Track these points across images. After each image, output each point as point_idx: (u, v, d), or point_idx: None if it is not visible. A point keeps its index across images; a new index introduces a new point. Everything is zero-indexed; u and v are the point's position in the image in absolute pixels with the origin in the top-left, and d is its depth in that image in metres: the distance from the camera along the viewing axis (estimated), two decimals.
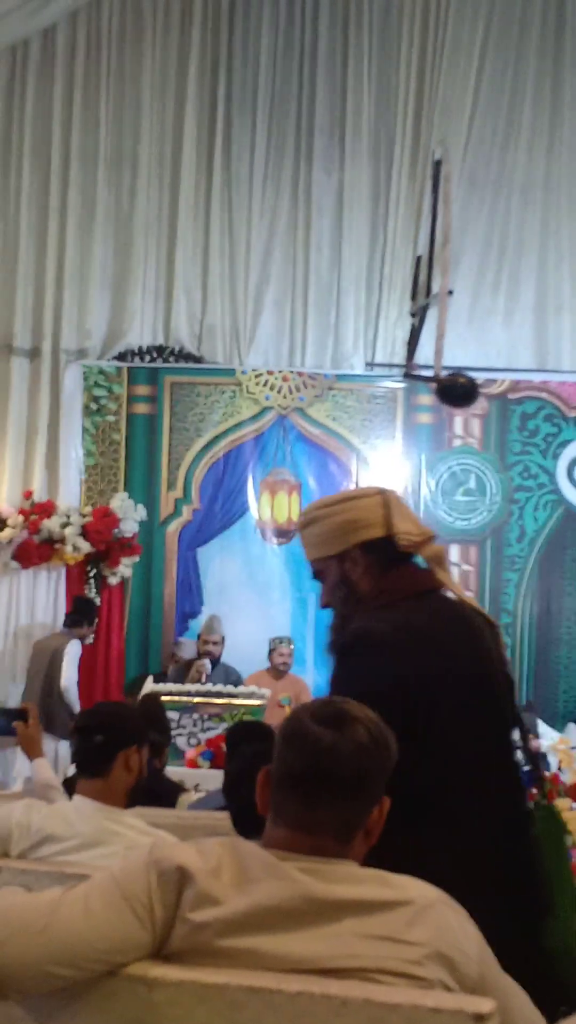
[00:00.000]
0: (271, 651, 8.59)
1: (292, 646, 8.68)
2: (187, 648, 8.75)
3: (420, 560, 2.39)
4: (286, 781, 1.71)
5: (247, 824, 4.27)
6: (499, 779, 2.22)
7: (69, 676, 8.16)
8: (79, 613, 8.58)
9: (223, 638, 8.59)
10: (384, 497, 2.39)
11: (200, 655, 8.48)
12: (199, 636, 8.75)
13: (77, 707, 7.96)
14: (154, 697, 6.72)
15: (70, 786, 3.37)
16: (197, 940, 1.61)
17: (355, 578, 2.35)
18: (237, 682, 8.12)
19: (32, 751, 3.79)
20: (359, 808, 1.70)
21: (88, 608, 8.71)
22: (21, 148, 9.41)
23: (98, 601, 9.03)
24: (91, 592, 9.05)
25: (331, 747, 1.68)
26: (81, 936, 1.59)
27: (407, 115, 9.42)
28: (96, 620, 8.77)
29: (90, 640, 8.71)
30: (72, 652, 8.26)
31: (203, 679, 8.09)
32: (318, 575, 2.45)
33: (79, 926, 1.60)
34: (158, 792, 3.23)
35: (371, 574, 2.34)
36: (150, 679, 8.06)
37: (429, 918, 1.63)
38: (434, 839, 2.06)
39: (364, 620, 2.27)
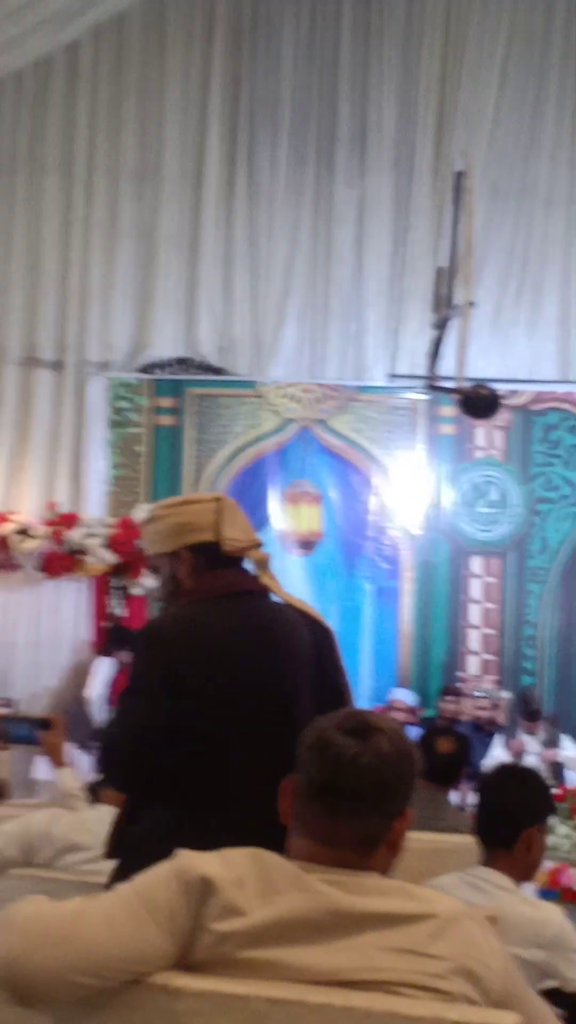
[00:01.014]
0: None
1: None
2: None
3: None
4: (308, 791, 1.71)
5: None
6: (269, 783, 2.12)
7: (94, 687, 8.24)
8: (112, 642, 8.66)
9: None
10: (219, 504, 2.63)
11: None
12: None
13: (97, 719, 7.99)
14: None
15: (94, 792, 3.37)
16: (220, 951, 1.61)
17: (181, 576, 2.57)
18: None
19: (56, 760, 3.80)
20: (381, 821, 1.70)
21: (119, 636, 8.68)
22: (46, 163, 9.47)
23: (122, 613, 9.06)
24: (115, 605, 9.08)
25: (353, 759, 1.67)
26: (104, 947, 1.59)
27: (428, 126, 9.42)
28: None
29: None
30: (101, 666, 8.36)
31: None
32: (153, 570, 2.69)
33: (102, 937, 1.60)
34: None
35: (195, 573, 2.56)
36: None
37: (453, 932, 1.63)
38: (197, 819, 2.28)
39: (159, 616, 2.58)
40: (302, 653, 2.57)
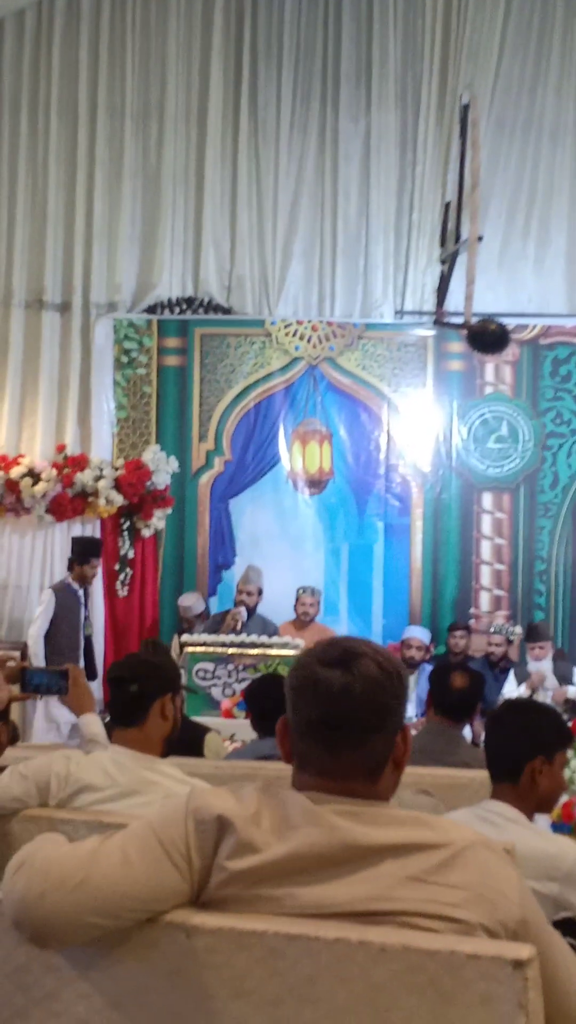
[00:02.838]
0: (296, 601, 8.63)
1: (316, 596, 8.68)
2: (189, 603, 8.74)
3: None
4: (305, 731, 1.69)
5: (264, 727, 4.37)
6: None
7: (33, 631, 8.01)
8: (72, 555, 8.36)
9: (260, 589, 8.60)
10: None
11: (236, 604, 8.51)
12: (236, 586, 8.77)
13: (37, 663, 7.54)
14: (156, 641, 6.72)
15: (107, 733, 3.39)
16: (235, 888, 1.62)
17: None
18: (273, 633, 8.15)
19: (79, 707, 3.78)
20: (383, 743, 1.69)
21: (77, 547, 8.40)
22: (48, 103, 9.36)
23: (132, 553, 9.08)
24: (125, 545, 9.10)
25: (344, 689, 1.65)
26: (120, 887, 1.60)
27: (433, 59, 9.26)
28: (91, 559, 8.28)
29: (94, 574, 8.38)
30: (42, 600, 8.15)
31: (237, 627, 8.12)
32: None
33: (118, 877, 1.61)
34: (180, 735, 3.24)
35: None
36: (175, 638, 8.12)
37: (469, 861, 1.62)
38: None
39: None
40: None
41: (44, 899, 1.61)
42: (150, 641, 7.09)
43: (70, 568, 8.28)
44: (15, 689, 3.43)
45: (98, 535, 9.12)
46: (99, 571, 8.60)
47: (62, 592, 8.12)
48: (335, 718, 1.66)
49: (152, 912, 1.62)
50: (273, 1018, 1.56)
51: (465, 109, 6.95)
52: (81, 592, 8.22)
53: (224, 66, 9.36)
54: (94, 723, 3.70)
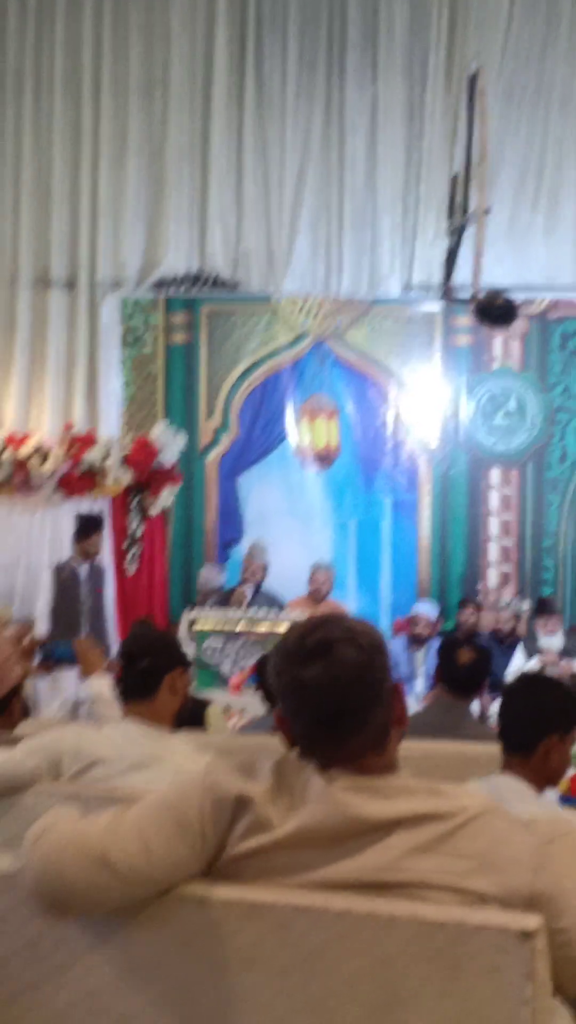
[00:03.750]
0: (310, 577, 8.64)
1: (328, 572, 8.69)
2: (210, 576, 8.77)
3: None
4: (305, 729, 1.70)
5: (274, 699, 4.40)
6: None
7: (39, 604, 8.14)
8: (79, 531, 8.33)
9: (265, 566, 8.61)
10: None
11: (242, 581, 8.53)
12: (242, 564, 8.78)
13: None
14: (146, 621, 6.73)
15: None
16: (247, 863, 1.64)
17: None
18: (281, 609, 8.17)
19: (87, 667, 3.84)
20: (383, 712, 1.70)
21: (76, 525, 8.35)
22: (52, 79, 9.28)
23: (140, 531, 9.09)
24: (133, 522, 9.11)
25: (332, 683, 1.65)
26: (135, 862, 1.63)
27: (441, 27, 9.14)
28: (90, 534, 8.23)
29: (96, 551, 8.30)
30: (44, 580, 8.23)
31: (243, 604, 8.15)
32: None
33: (133, 852, 1.63)
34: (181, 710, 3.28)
35: None
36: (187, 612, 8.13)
37: (479, 828, 1.62)
38: None
39: None
40: None
41: (62, 872, 1.63)
42: (142, 620, 7.11)
43: (77, 541, 8.29)
44: (30, 667, 3.48)
45: (107, 513, 9.13)
46: (103, 547, 8.55)
47: (60, 570, 8.18)
48: (331, 711, 1.66)
49: (165, 885, 1.64)
50: (282, 988, 1.58)
51: (473, 78, 6.87)
52: (83, 568, 8.20)
53: (228, 36, 9.25)
54: (98, 683, 3.73)
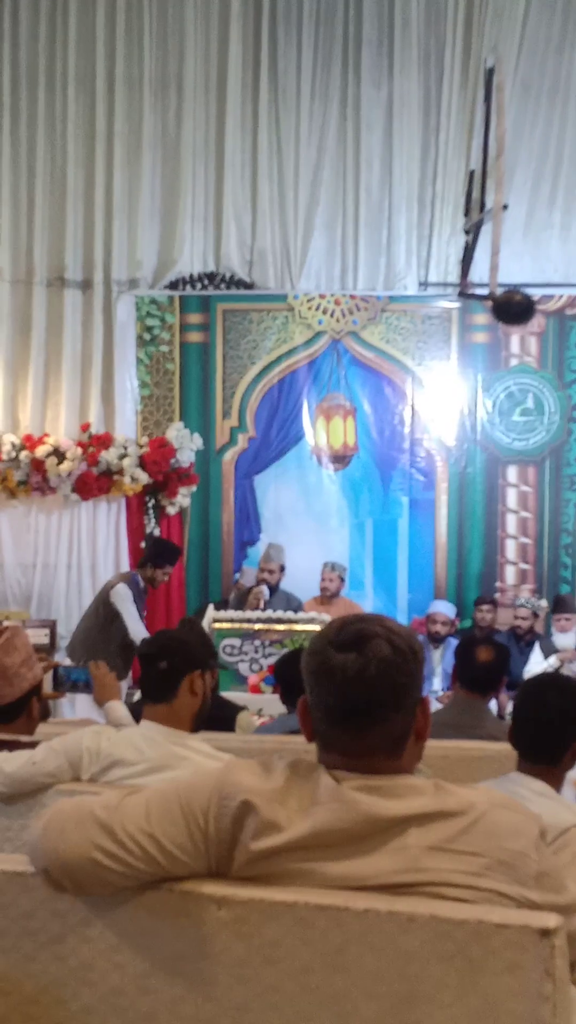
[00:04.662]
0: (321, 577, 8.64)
1: (337, 572, 8.67)
2: (249, 576, 8.80)
3: None
4: (326, 715, 1.70)
5: (292, 701, 4.42)
6: None
7: (134, 630, 7.29)
8: (146, 553, 7.93)
9: (282, 567, 8.60)
10: None
11: (258, 583, 8.53)
12: (258, 564, 8.78)
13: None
14: (193, 620, 6.68)
15: (136, 711, 3.42)
16: (261, 866, 1.64)
17: None
18: (298, 609, 8.17)
19: (102, 695, 3.81)
20: (403, 719, 1.70)
21: (154, 548, 8.00)
22: (66, 77, 9.29)
23: (158, 531, 9.10)
24: (150, 523, 9.12)
25: (359, 673, 1.66)
26: (136, 834, 1.65)
27: (457, 22, 9.11)
28: (164, 563, 7.71)
29: (164, 581, 7.88)
30: (121, 597, 7.36)
31: (261, 606, 8.15)
32: None
33: (138, 824, 1.66)
34: (214, 714, 3.29)
35: None
36: (211, 607, 8.13)
37: (486, 825, 1.64)
38: None
39: None
40: None
41: (65, 839, 1.67)
42: (187, 619, 7.07)
43: (141, 566, 7.75)
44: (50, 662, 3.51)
45: (123, 513, 9.14)
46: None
47: (134, 585, 7.51)
48: (353, 702, 1.67)
49: (167, 868, 1.65)
50: (304, 985, 1.58)
51: (490, 73, 6.83)
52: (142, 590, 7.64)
53: (243, 32, 9.24)
54: (116, 708, 3.74)
